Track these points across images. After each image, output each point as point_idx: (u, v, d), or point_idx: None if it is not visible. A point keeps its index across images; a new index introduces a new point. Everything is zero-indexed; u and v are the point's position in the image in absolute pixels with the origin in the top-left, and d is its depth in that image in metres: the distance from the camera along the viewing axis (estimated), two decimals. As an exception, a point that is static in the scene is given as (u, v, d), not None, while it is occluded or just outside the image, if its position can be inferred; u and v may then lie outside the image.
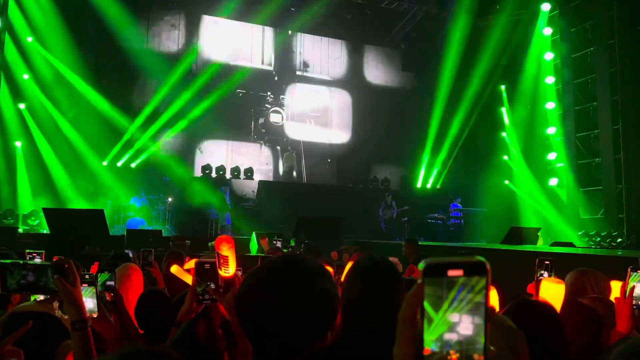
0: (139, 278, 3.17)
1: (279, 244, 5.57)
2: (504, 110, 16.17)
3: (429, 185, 16.83)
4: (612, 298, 2.27)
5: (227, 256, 1.75)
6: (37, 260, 3.44)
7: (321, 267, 1.34)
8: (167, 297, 2.64)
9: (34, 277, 1.59)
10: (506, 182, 15.76)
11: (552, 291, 2.23)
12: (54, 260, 1.61)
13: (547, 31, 14.91)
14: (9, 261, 1.58)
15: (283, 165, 15.98)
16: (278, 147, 16.25)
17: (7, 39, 12.00)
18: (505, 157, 16.00)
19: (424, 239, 13.13)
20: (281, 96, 16.41)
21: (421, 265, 0.66)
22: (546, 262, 2.78)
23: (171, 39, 15.27)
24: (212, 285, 1.78)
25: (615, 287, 2.30)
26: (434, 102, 16.40)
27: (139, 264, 3.77)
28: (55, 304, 1.65)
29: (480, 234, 14.02)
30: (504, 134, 16.14)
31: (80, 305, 1.59)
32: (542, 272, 2.77)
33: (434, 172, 16.81)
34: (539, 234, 11.38)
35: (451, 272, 0.65)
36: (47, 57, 12.83)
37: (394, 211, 14.60)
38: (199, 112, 14.62)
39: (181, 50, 15.21)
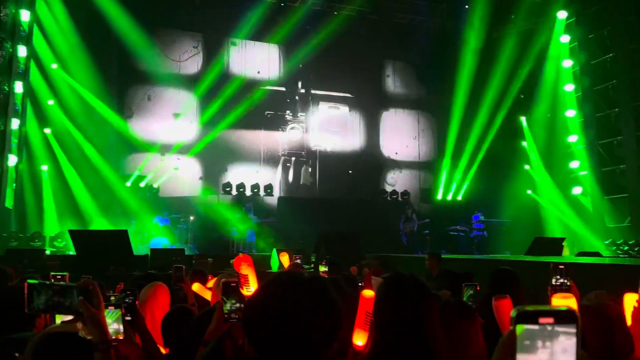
0: (165, 296, 3.21)
1: (298, 260, 5.57)
2: (523, 119, 16.03)
3: (449, 197, 16.68)
4: (627, 312, 2.18)
5: (246, 275, 1.78)
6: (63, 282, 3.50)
7: (320, 280, 1.38)
8: (193, 314, 2.67)
9: (60, 297, 1.62)
10: (528, 191, 15.55)
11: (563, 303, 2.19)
12: (80, 281, 1.65)
13: (565, 39, 14.80)
14: (36, 281, 1.63)
15: (302, 180, 16.03)
16: (296, 162, 16.33)
17: (33, 65, 12.38)
18: (527, 167, 15.81)
19: (446, 251, 12.99)
20: (299, 113, 16.54)
21: (513, 313, 0.70)
22: (560, 267, 2.76)
23: (191, 62, 15.53)
24: (238, 305, 1.81)
25: (630, 300, 2.22)
26: (452, 114, 16.33)
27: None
28: (79, 325, 1.69)
29: (504, 245, 13.83)
30: (524, 143, 15.97)
31: (103, 327, 1.62)
32: (557, 277, 2.74)
33: (454, 184, 16.67)
34: (564, 244, 11.17)
35: (542, 320, 0.68)
36: (71, 83, 13.19)
37: (414, 224, 14.51)
38: (219, 131, 14.85)
39: (201, 72, 15.45)
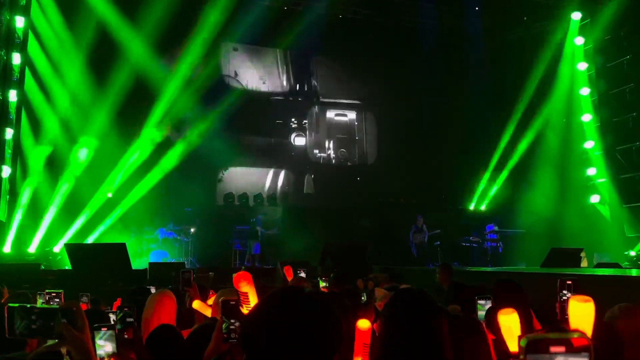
0: (172, 305, 3.21)
1: (302, 274, 5.55)
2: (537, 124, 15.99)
3: (461, 207, 16.62)
4: None
5: (246, 292, 1.78)
6: (52, 301, 3.46)
7: (320, 295, 1.39)
8: (178, 333, 2.65)
9: (42, 321, 1.59)
10: (544, 200, 15.46)
11: (581, 311, 2.16)
12: (63, 303, 1.64)
13: (579, 41, 14.79)
14: (16, 305, 1.61)
15: (306, 188, 16.04)
16: (300, 171, 16.38)
17: (28, 74, 12.47)
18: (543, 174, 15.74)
19: (458, 264, 12.93)
20: (304, 120, 16.60)
21: (523, 342, 0.70)
22: (568, 283, 2.74)
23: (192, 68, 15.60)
24: (237, 324, 1.81)
25: None
26: (463, 119, 16.33)
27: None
28: (64, 350, 1.67)
29: (518, 257, 13.74)
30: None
31: (87, 352, 1.59)
32: (565, 292, 2.73)
33: (466, 193, 16.61)
34: (582, 254, 11.09)
35: (553, 349, 0.68)
36: (67, 91, 13.28)
37: (424, 235, 14.45)
38: (220, 138, 14.88)
39: (201, 77, 15.53)
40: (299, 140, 16.47)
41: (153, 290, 5.32)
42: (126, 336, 2.24)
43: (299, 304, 1.32)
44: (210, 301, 3.76)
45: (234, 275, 1.85)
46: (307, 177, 16.14)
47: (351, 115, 17.25)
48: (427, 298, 1.73)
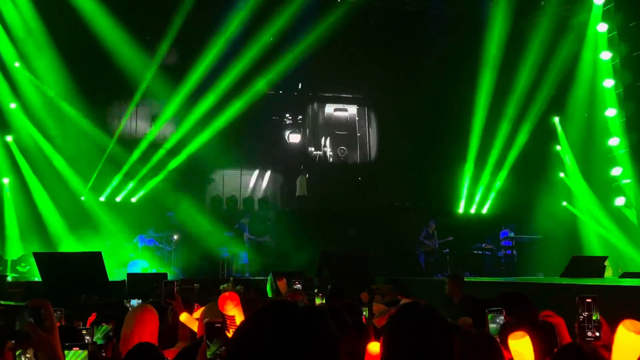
0: (154, 321, 3.21)
1: (298, 286, 5.56)
2: (556, 120, 16.04)
3: (472, 211, 16.65)
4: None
5: (233, 316, 1.77)
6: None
7: (314, 310, 1.36)
8: (158, 352, 2.64)
9: (6, 320, 1.57)
10: (564, 203, 15.51)
11: (629, 345, 2.06)
12: (30, 300, 1.62)
13: (602, 27, 14.83)
14: None
15: (297, 190, 16.04)
16: (294, 172, 16.40)
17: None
18: (562, 175, 15.79)
19: (469, 273, 12.95)
20: (299, 116, 16.61)
21: None
22: (588, 301, 2.72)
23: (172, 57, 15.61)
24: (223, 348, 1.80)
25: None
26: (474, 114, 16.35)
27: None
28: (30, 352, 1.66)
29: (536, 266, 13.76)
30: (558, 148, 15.97)
31: (56, 354, 1.59)
32: (582, 311, 2.70)
33: (478, 195, 16.64)
34: (607, 263, 11.11)
35: None
36: (36, 83, 13.27)
37: (435, 242, 14.46)
38: (207, 138, 14.89)
39: (183, 68, 15.53)
40: (293, 138, 16.48)
41: (135, 303, 5.31)
42: (104, 354, 2.23)
43: (290, 321, 1.29)
44: (197, 314, 3.77)
45: (220, 296, 1.84)
46: (300, 178, 16.14)
47: (352, 109, 17.26)
48: (435, 313, 1.72)
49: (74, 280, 8.53)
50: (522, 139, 15.92)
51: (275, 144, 16.38)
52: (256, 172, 16.18)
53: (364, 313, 3.93)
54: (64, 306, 4.78)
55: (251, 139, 15.93)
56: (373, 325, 3.32)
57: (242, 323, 1.36)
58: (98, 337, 2.74)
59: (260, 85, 15.44)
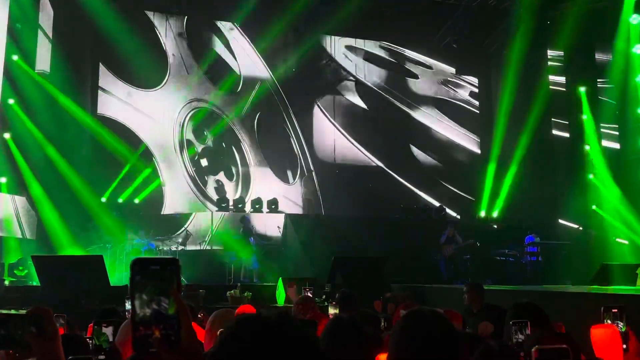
0: None
1: (309, 293, 5.57)
2: (585, 117, 15.93)
3: (495, 214, 16.57)
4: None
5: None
6: None
7: (287, 321, 1.28)
8: None
9: (5, 330, 1.60)
10: (593, 207, 15.39)
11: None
12: (30, 310, 1.65)
13: (636, 19, 14.71)
14: None
15: (302, 192, 16.06)
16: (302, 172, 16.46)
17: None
18: (591, 176, 15.67)
19: (491, 281, 12.89)
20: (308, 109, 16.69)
21: None
22: (614, 311, 2.72)
23: (177, 49, 15.72)
24: None
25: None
26: (497, 111, 16.27)
27: None
28: None
29: (563, 273, 13.66)
30: (587, 147, 15.86)
31: None
32: (608, 322, 2.71)
33: (502, 197, 16.55)
34: (639, 271, 11.03)
35: None
36: (35, 77, 13.39)
37: (459, 241, 14.36)
38: (214, 134, 14.99)
39: (189, 61, 15.64)
40: (300, 135, 16.58)
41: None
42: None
43: (263, 338, 1.21)
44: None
45: (237, 309, 1.84)
46: (305, 178, 16.16)
47: (362, 103, 17.24)
48: (443, 320, 1.71)
49: (74, 285, 8.62)
50: (547, 139, 15.83)
51: (281, 142, 16.45)
52: (264, 170, 16.22)
53: (384, 324, 3.91)
54: (63, 312, 4.84)
55: (258, 136, 16.04)
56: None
57: (217, 343, 1.29)
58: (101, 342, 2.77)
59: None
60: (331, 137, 16.83)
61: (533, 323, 3.15)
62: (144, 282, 1.21)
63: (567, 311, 5.94)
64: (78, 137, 13.77)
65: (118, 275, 12.30)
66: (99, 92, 14.77)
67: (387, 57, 17.48)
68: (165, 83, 15.42)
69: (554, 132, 16.56)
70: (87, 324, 4.85)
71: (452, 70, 17.73)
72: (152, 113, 15.21)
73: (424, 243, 14.77)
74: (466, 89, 17.90)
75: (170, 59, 15.62)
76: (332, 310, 4.88)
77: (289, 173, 16.44)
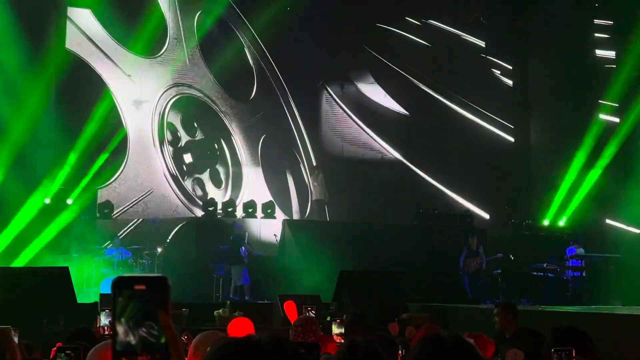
0: None
1: (311, 313, 5.57)
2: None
3: (532, 222, 16.57)
4: None
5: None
6: None
7: (279, 345, 1.29)
8: None
9: None
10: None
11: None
12: None
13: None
14: None
15: (316, 193, 16.07)
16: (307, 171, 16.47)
17: None
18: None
19: (526, 301, 12.88)
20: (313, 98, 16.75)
21: None
22: None
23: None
24: None
25: None
26: (534, 97, 16.28)
27: None
28: None
29: (611, 292, 13.65)
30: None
31: None
32: None
33: (539, 203, 16.54)
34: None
35: None
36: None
37: (482, 261, 14.36)
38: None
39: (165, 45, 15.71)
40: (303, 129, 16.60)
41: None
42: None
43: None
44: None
45: (230, 322, 1.86)
46: (313, 177, 16.17)
47: (373, 92, 17.27)
48: (464, 346, 1.70)
49: (35, 302, 8.62)
50: (594, 133, 15.82)
51: (281, 136, 16.50)
52: (258, 170, 16.25)
53: (402, 350, 3.90)
54: (23, 335, 4.85)
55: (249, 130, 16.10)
56: None
57: None
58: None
59: None
60: (340, 126, 16.85)
61: (577, 351, 3.15)
62: (128, 304, 1.20)
63: (617, 337, 5.93)
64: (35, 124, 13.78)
65: (86, 290, 12.33)
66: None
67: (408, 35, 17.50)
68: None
69: (601, 116, 16.53)
70: (49, 348, 4.86)
71: (482, 44, 17.74)
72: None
73: (446, 255, 14.77)
74: (498, 68, 17.88)
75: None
76: (336, 330, 4.83)
77: (289, 171, 16.45)
